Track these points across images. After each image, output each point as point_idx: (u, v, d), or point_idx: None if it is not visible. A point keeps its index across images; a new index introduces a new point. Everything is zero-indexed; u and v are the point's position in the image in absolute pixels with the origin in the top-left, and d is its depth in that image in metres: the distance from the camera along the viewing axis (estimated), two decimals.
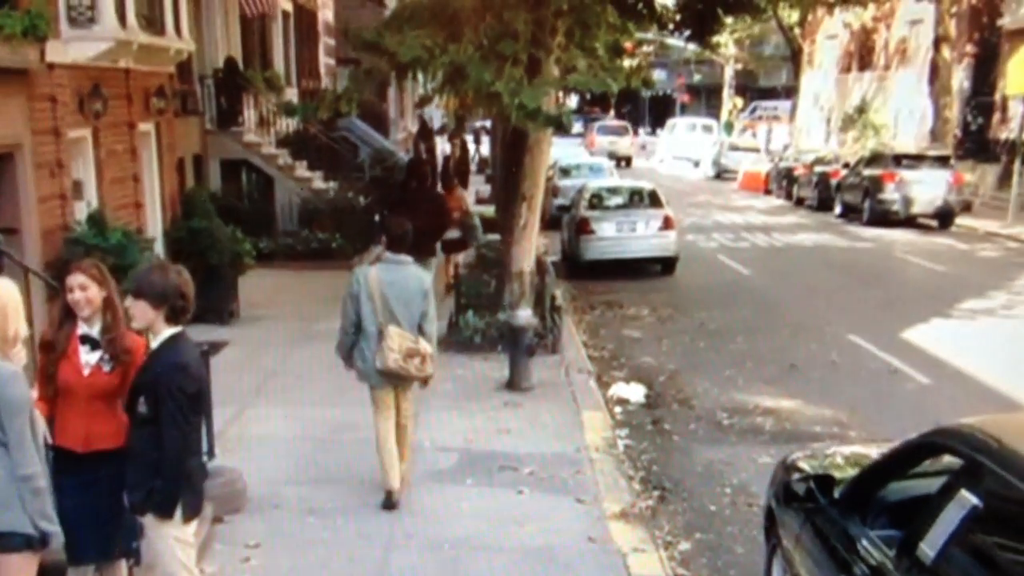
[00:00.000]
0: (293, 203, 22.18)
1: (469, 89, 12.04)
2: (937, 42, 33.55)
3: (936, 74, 33.49)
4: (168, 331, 5.20)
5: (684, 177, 46.52)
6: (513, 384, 11.74)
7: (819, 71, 49.56)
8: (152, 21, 12.95)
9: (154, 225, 14.07)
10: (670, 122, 57.18)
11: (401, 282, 8.07)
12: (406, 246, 8.30)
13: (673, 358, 13.93)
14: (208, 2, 22.43)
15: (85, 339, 5.53)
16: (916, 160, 27.76)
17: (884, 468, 5.40)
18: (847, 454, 6.59)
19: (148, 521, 5.25)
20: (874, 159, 28.86)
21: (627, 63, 16.02)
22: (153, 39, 12.74)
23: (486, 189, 31.47)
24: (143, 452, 5.11)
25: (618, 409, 11.59)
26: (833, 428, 10.75)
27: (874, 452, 6.53)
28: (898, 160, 27.73)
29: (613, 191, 21.52)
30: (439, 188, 18.56)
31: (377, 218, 22.04)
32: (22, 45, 9.58)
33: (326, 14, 36.83)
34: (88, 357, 5.50)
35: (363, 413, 10.35)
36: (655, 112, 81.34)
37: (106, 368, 5.50)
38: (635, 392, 12.20)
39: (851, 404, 11.60)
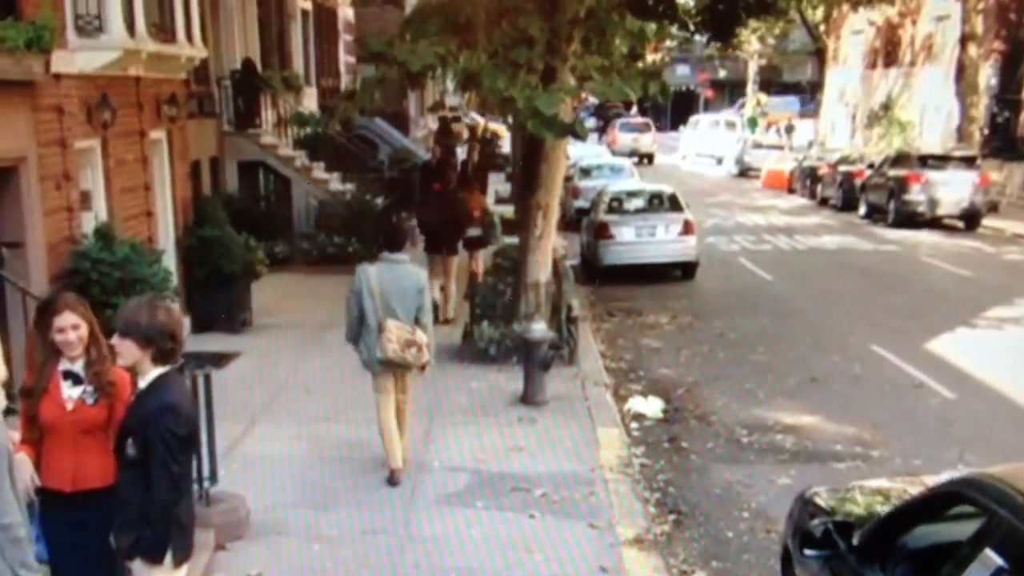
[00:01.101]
0: (310, 205, 22.02)
1: (484, 93, 11.82)
2: (963, 40, 33.05)
3: (962, 72, 33.00)
4: (155, 371, 4.98)
5: (707, 175, 46.11)
6: (527, 398, 11.51)
7: (844, 67, 49.03)
8: (163, 28, 12.76)
9: (166, 234, 13.90)
10: (693, 118, 56.72)
11: (398, 279, 8.88)
12: (402, 247, 9.20)
13: (692, 370, 13.67)
14: (225, 3, 22.29)
15: (67, 375, 5.33)
16: (942, 161, 27.34)
17: (905, 515, 5.13)
18: (868, 490, 6.31)
19: (136, 566, 5.05)
20: (899, 159, 28.44)
21: (644, 65, 15.61)
22: (163, 47, 12.56)
23: (507, 188, 31.17)
24: (131, 495, 4.90)
25: (634, 425, 11.35)
26: (855, 448, 10.47)
27: (897, 487, 6.29)
28: (924, 161, 27.32)
29: (633, 195, 21.24)
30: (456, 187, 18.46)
31: (395, 220, 21.94)
32: (26, 57, 9.41)
33: (346, 12, 36.65)
34: (71, 392, 5.30)
35: (371, 431, 10.23)
36: (678, 108, 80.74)
37: (90, 401, 5.30)
38: (652, 406, 11.95)
39: (874, 421, 11.31)
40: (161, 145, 13.78)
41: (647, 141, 50.88)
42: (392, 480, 9.03)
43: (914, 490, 5.97)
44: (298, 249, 19.94)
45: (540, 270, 13.40)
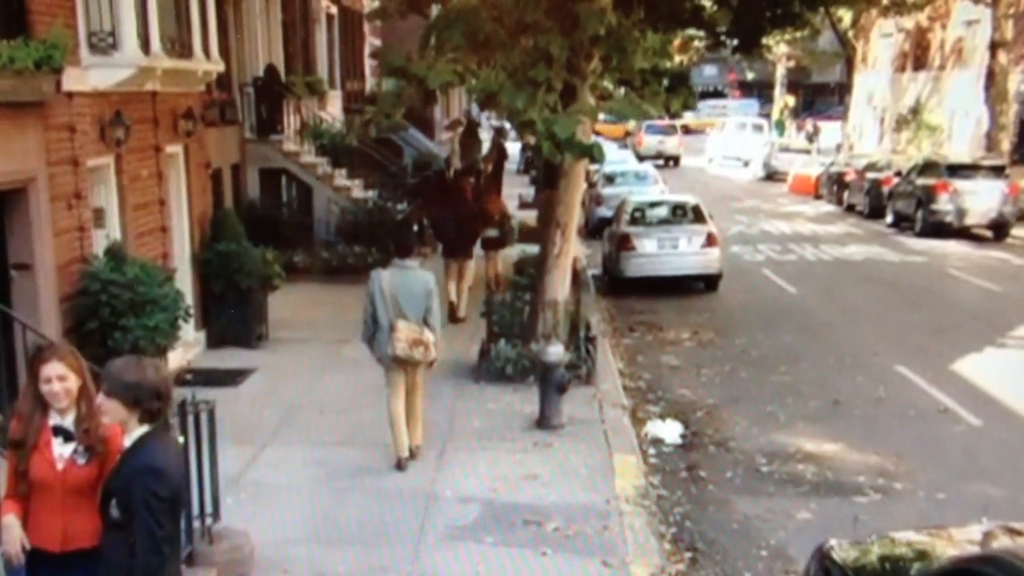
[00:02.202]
0: (332, 212, 21.89)
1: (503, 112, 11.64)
2: (993, 47, 32.54)
3: (992, 79, 32.50)
4: (141, 430, 4.80)
5: (733, 178, 45.73)
6: (543, 422, 11.30)
7: (873, 70, 48.53)
8: (180, 43, 12.63)
9: (181, 249, 13.77)
10: (719, 120, 56.28)
11: (408, 283, 9.73)
12: (411, 254, 10.15)
13: (712, 390, 13.44)
14: (249, 10, 22.19)
15: (58, 430, 5.16)
16: (970, 170, 26.98)
17: None
18: (889, 544, 6.07)
19: None
20: (927, 168, 28.05)
21: (668, 71, 15.32)
22: (179, 63, 12.41)
23: (531, 192, 30.83)
24: (115, 558, 4.73)
25: (652, 451, 11.13)
26: (878, 479, 10.20)
27: (920, 540, 6.06)
28: (952, 170, 26.95)
29: (655, 206, 20.98)
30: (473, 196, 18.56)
31: (416, 228, 21.78)
32: (35, 77, 9.29)
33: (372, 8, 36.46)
34: (61, 450, 5.13)
35: (383, 456, 10.10)
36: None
37: (80, 460, 5.12)
38: (671, 431, 11.75)
39: (897, 449, 11.04)
40: (177, 159, 13.65)
41: (673, 144, 50.50)
42: (399, 466, 9.85)
43: (938, 546, 5.75)
44: (318, 258, 19.79)
45: (559, 288, 13.22)
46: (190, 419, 7.45)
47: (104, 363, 10.15)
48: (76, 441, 5.12)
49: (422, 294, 9.69)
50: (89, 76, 10.80)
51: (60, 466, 5.11)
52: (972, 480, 10.17)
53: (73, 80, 10.38)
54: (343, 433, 11.07)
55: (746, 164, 48.69)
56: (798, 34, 42.05)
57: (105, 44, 10.92)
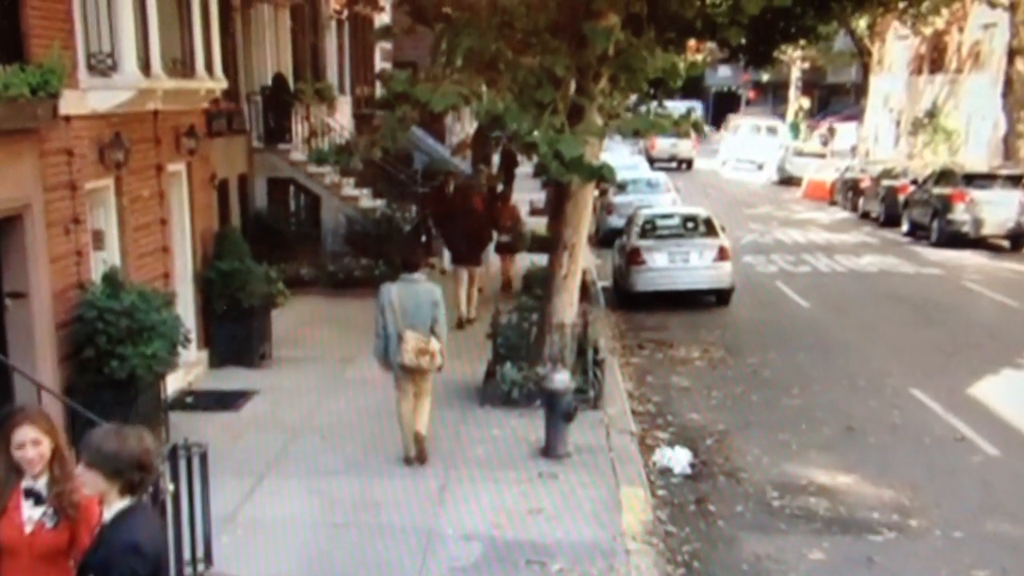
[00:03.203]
0: (340, 223, 21.67)
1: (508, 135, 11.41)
2: (1011, 54, 32.16)
3: (1010, 86, 32.12)
4: (121, 504, 4.56)
5: (746, 183, 45.39)
6: (549, 451, 11.06)
7: (889, 72, 48.13)
8: (182, 62, 12.42)
9: (183, 268, 13.56)
10: (733, 123, 55.88)
11: (415, 296, 10.42)
12: (418, 268, 10.76)
13: (722, 414, 13.17)
14: (257, 18, 22.00)
15: (29, 493, 4.94)
16: (987, 179, 26.66)
17: None
18: None
19: None
20: (944, 176, 27.71)
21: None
22: (181, 83, 12.19)
23: (542, 197, 30.53)
24: None
25: (660, 482, 10.87)
26: (892, 515, 9.91)
27: None
28: (969, 179, 26.60)
29: (666, 218, 20.68)
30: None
31: (424, 239, 21.56)
32: (30, 103, 9.08)
33: (383, 18, 36.25)
34: (31, 512, 4.90)
35: (385, 486, 9.91)
36: (719, 109, 79.80)
37: (49, 524, 4.88)
38: (680, 459, 11.46)
39: (912, 481, 10.77)
40: (180, 177, 13.45)
41: (686, 147, 50.11)
42: (406, 461, 10.54)
43: None
44: (324, 271, 19.59)
45: (566, 311, 12.98)
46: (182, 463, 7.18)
47: (101, 392, 10.03)
48: (47, 504, 4.91)
49: (428, 306, 10.39)
50: (88, 99, 10.59)
51: (28, 529, 4.89)
52: (990, 516, 9.90)
53: (71, 103, 10.17)
54: (343, 461, 10.84)
55: (760, 167, 48.36)
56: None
57: (104, 66, 10.70)
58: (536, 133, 10.65)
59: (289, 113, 22.17)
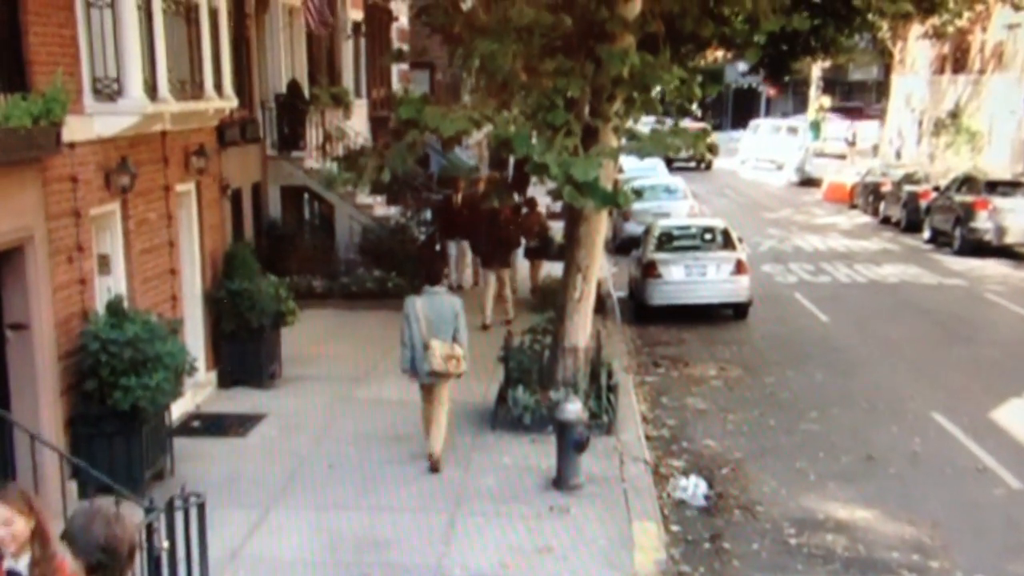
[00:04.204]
0: (354, 231, 21.49)
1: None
2: None
3: None
4: None
5: (766, 184, 45.01)
6: (560, 482, 10.83)
7: (911, 72, 47.62)
8: (190, 83, 12.23)
9: (192, 288, 13.40)
10: (753, 123, 55.39)
11: (438, 307, 11.07)
12: (440, 281, 11.42)
13: (739, 440, 12.91)
14: (272, 25, 21.82)
15: (11, 574, 4.76)
16: (1010, 187, 26.25)
17: None
18: None
19: None
20: (966, 183, 27.31)
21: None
22: (188, 105, 12.00)
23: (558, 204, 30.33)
24: None
25: (674, 516, 10.63)
26: (912, 555, 9.63)
27: None
28: (992, 186, 26.19)
29: (683, 231, 20.39)
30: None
31: (439, 247, 21.35)
32: (32, 133, 8.90)
33: (400, 20, 36.06)
34: None
35: (393, 522, 9.73)
36: (740, 106, 79.19)
37: None
38: (694, 491, 11.23)
39: (933, 516, 10.50)
40: (189, 196, 13.28)
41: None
42: (432, 467, 11.14)
43: None
44: (337, 283, 19.40)
45: (579, 334, 12.75)
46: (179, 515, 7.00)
47: (104, 423, 9.85)
48: None
49: (451, 316, 11.04)
50: (93, 124, 10.41)
51: None
52: (1013, 557, 9.63)
53: (76, 129, 9.98)
54: (351, 493, 10.64)
55: (779, 167, 47.93)
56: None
57: (110, 91, 10.51)
58: (548, 156, 10.39)
59: (304, 120, 21.99)
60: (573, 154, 10.62)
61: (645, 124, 13.00)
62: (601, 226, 12.72)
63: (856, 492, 11.19)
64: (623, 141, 11.89)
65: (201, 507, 7.19)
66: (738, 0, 11.00)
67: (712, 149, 11.95)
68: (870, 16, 15.15)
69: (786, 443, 12.78)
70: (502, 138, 10.61)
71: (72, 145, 9.97)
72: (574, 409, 10.87)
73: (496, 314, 17.79)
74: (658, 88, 11.60)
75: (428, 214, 22.57)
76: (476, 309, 17.00)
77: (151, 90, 11.00)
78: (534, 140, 10.74)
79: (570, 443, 10.79)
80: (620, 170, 20.03)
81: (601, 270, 16.59)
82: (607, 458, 11.61)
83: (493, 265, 18.17)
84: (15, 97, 8.87)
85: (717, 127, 62.85)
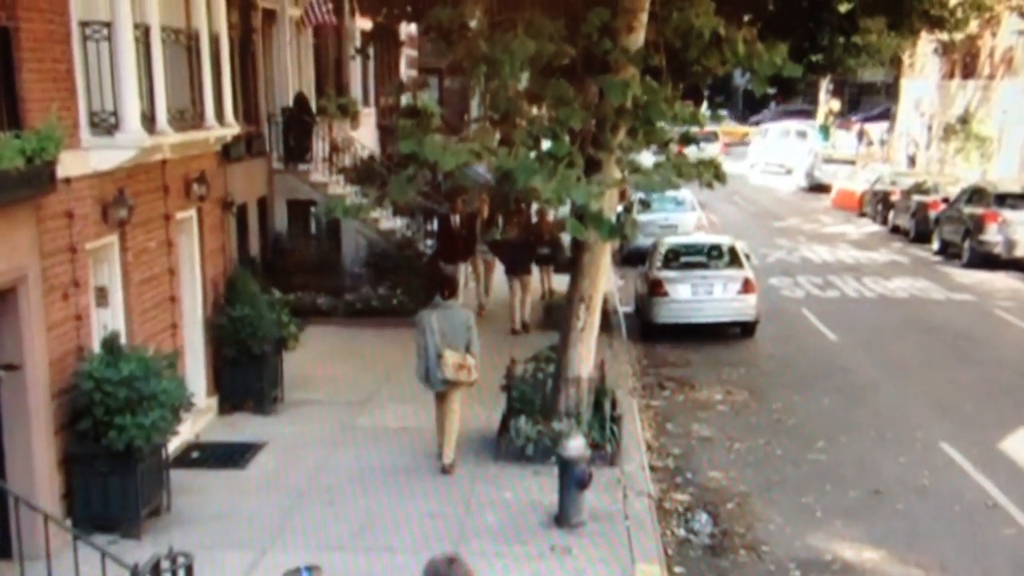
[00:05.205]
0: (360, 245, 21.36)
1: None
2: None
3: None
4: None
5: (774, 189, 44.79)
6: (562, 520, 10.66)
7: (920, 76, 47.34)
8: (191, 113, 12.09)
9: (193, 314, 13.25)
10: (763, 126, 55.17)
11: (451, 319, 11.76)
12: (455, 295, 12.19)
13: (744, 472, 12.74)
14: (279, 38, 21.71)
15: None
16: (1020, 199, 25.99)
17: None
18: None
19: None
20: (976, 195, 27.08)
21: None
22: (188, 136, 11.87)
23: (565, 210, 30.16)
24: None
25: (678, 556, 10.47)
26: None
27: None
28: (1001, 199, 25.96)
29: (689, 248, 20.18)
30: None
31: (448, 271, 21.14)
32: (25, 173, 8.75)
33: (410, 27, 35.81)
34: None
35: (392, 563, 9.57)
36: (750, 105, 78.92)
37: None
38: (699, 526, 11.09)
39: (942, 557, 10.32)
40: (190, 223, 13.14)
41: (714, 151, 49.45)
42: (444, 470, 11.90)
43: None
44: (342, 300, 19.27)
45: (582, 364, 12.57)
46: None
47: (99, 462, 9.73)
48: None
49: (463, 329, 11.74)
50: (90, 158, 10.26)
51: None
52: None
53: (72, 164, 9.84)
54: (349, 531, 10.45)
55: (788, 172, 47.72)
56: None
57: (107, 124, 10.37)
58: (549, 186, 10.22)
59: (310, 133, 21.88)
60: (576, 184, 10.45)
61: (651, 151, 12.79)
62: (605, 255, 12.56)
63: (863, 530, 11.01)
64: (627, 173, 11.67)
65: (188, 568, 7.05)
66: (733, 46, 10.81)
67: (720, 176, 11.75)
68: (875, 39, 14.98)
69: (793, 475, 12.61)
70: (503, 170, 10.42)
71: (68, 180, 9.83)
72: (576, 446, 10.69)
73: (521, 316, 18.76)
74: (660, 123, 11.38)
75: (435, 222, 22.35)
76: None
77: (149, 121, 10.87)
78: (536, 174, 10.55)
79: (572, 481, 10.62)
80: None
81: (607, 283, 16.43)
82: (610, 492, 11.45)
83: (518, 271, 18.86)
84: (8, 135, 8.73)
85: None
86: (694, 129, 12.16)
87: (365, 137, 27.63)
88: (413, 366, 12.18)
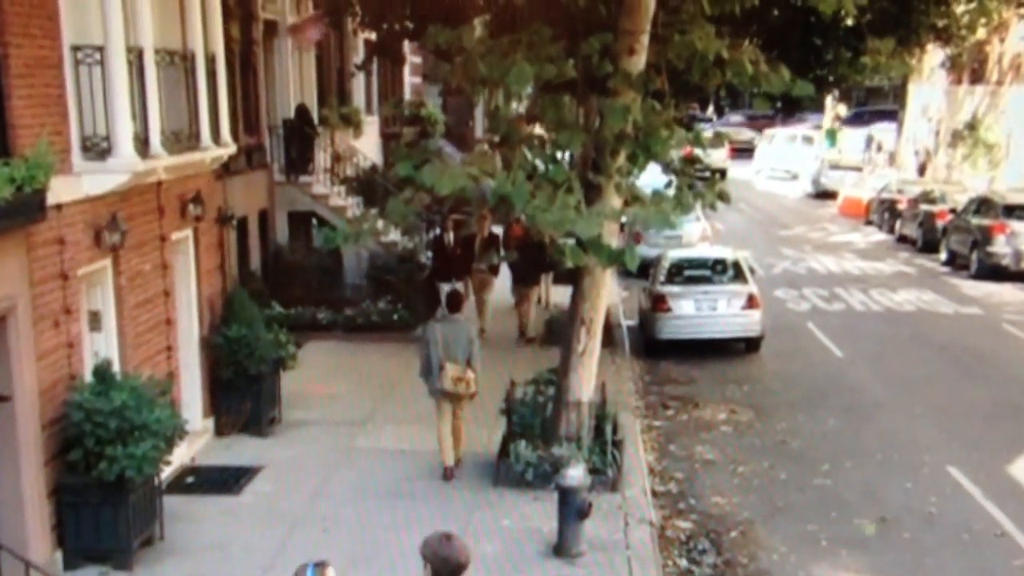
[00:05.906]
0: (361, 257, 21.18)
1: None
2: None
3: None
4: None
5: (780, 196, 44.50)
6: (561, 550, 10.49)
7: (928, 81, 47.03)
8: (186, 134, 11.94)
9: (189, 335, 13.09)
10: (768, 132, 54.80)
11: (455, 333, 12.17)
12: (460, 309, 12.58)
13: (748, 497, 12.54)
14: (281, 49, 21.57)
15: None
16: None
17: None
18: None
19: None
20: (983, 205, 26.84)
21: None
22: (183, 158, 11.71)
23: None
24: None
25: None
26: None
27: None
28: (1009, 210, 25.70)
29: (693, 262, 19.95)
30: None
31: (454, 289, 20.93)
32: (14, 202, 8.60)
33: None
34: None
35: None
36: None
37: None
38: (701, 558, 10.88)
39: None
40: (186, 243, 12.98)
41: (720, 156, 49.07)
42: (445, 475, 12.29)
43: None
44: (342, 315, 19.10)
45: (583, 388, 12.39)
46: None
47: (90, 493, 9.57)
48: None
49: (466, 342, 12.13)
50: (82, 183, 10.10)
51: None
52: None
53: (64, 189, 9.68)
54: (344, 562, 10.16)
55: (795, 177, 47.43)
56: None
57: (100, 148, 10.21)
58: (549, 215, 10.05)
59: (312, 144, 21.72)
60: (576, 210, 10.28)
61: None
62: (605, 279, 12.37)
63: (869, 561, 10.83)
64: (627, 200, 11.50)
65: None
66: (738, 68, 10.60)
67: (723, 197, 11.58)
68: (883, 60, 14.79)
69: (797, 501, 12.41)
70: (501, 194, 10.25)
71: (59, 206, 9.67)
72: (576, 475, 10.52)
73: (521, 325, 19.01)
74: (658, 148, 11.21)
75: (436, 232, 22.17)
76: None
77: (143, 144, 10.71)
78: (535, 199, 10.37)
79: (572, 511, 10.46)
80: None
81: (611, 295, 16.25)
82: (611, 519, 11.29)
83: (528, 282, 19.05)
84: None
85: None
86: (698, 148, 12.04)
87: (368, 146, 27.49)
88: (414, 378, 12.69)
